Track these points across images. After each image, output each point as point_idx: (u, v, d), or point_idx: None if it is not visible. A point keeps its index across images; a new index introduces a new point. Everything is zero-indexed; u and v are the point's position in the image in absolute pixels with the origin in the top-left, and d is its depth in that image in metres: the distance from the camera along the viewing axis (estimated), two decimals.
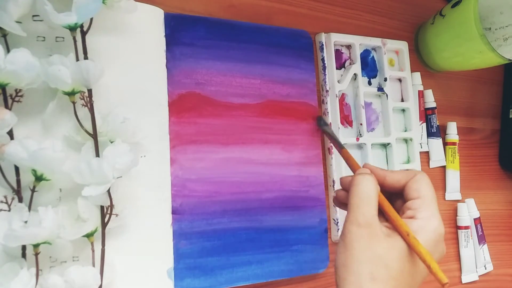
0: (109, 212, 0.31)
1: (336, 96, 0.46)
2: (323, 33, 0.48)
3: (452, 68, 0.56)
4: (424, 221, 0.31)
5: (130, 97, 0.36)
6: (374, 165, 0.35)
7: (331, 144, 0.46)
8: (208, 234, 0.38)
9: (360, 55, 0.49)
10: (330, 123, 0.46)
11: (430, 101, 0.54)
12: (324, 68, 0.47)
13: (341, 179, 0.36)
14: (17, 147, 0.28)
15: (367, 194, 0.31)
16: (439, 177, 0.55)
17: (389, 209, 0.32)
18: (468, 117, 0.59)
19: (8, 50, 0.30)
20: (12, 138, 0.30)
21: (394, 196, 0.35)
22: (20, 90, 0.30)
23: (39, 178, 0.30)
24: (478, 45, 0.47)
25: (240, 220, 0.40)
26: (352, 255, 0.29)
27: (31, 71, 0.29)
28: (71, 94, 0.31)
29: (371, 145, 0.48)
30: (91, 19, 0.33)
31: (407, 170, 0.35)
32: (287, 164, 0.43)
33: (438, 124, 0.54)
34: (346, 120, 0.48)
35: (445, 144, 0.56)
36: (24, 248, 0.29)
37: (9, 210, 0.29)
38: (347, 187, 0.35)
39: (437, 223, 0.31)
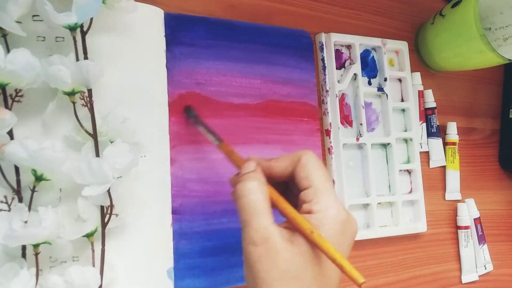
0: (109, 212, 0.31)
1: (336, 96, 0.46)
2: (323, 33, 0.48)
3: (452, 68, 0.56)
4: (322, 213, 0.28)
5: (130, 97, 0.36)
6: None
7: (331, 144, 0.46)
8: (208, 234, 0.38)
9: (360, 55, 0.49)
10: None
11: (430, 101, 0.54)
12: (324, 68, 0.47)
13: (230, 179, 0.33)
14: (17, 147, 0.28)
15: (254, 206, 0.28)
16: (439, 177, 0.55)
17: (285, 208, 0.29)
18: (468, 117, 0.59)
19: (8, 50, 0.30)
20: (12, 138, 0.30)
21: (290, 185, 0.32)
22: (20, 90, 0.30)
23: (39, 178, 0.30)
24: (478, 45, 0.47)
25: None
26: (258, 277, 0.27)
27: (31, 71, 0.29)
28: (71, 94, 0.31)
29: (371, 145, 0.48)
30: (91, 19, 0.33)
31: (293, 153, 0.31)
32: None
33: (438, 124, 0.54)
34: (346, 120, 0.48)
35: (445, 144, 0.56)
36: (24, 248, 0.29)
37: (9, 210, 0.29)
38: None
39: (335, 211, 0.28)
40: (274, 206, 0.30)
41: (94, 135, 0.32)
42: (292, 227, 0.29)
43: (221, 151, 0.36)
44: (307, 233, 0.27)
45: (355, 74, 0.48)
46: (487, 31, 0.53)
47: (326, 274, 0.28)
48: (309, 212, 0.29)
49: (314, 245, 0.27)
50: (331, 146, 0.46)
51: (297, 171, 0.30)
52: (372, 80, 0.51)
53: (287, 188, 0.33)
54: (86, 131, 0.32)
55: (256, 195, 0.29)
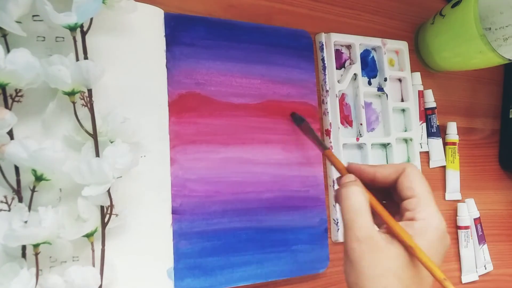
0: (109, 212, 0.31)
1: (336, 96, 0.46)
2: (323, 33, 0.48)
3: (452, 68, 0.56)
4: (425, 221, 0.30)
5: (130, 97, 0.36)
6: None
7: (331, 144, 0.46)
8: (208, 234, 0.38)
9: (360, 55, 0.49)
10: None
11: (430, 101, 0.54)
12: (324, 68, 0.47)
13: (337, 179, 0.36)
14: (17, 147, 0.28)
15: (358, 207, 0.30)
16: (439, 177, 0.55)
17: (385, 214, 0.31)
18: (468, 117, 0.59)
19: (8, 50, 0.30)
20: (12, 138, 0.30)
21: (387, 192, 0.34)
22: (20, 90, 0.30)
23: (39, 178, 0.30)
24: (478, 45, 0.47)
25: (240, 220, 0.40)
26: (362, 273, 0.29)
27: (31, 71, 0.29)
28: (71, 94, 0.31)
29: (371, 145, 0.48)
30: (91, 19, 0.33)
31: (397, 164, 0.35)
32: (287, 164, 0.43)
33: (438, 124, 0.54)
34: (346, 120, 0.48)
35: (445, 144, 0.56)
36: (24, 248, 0.29)
37: (9, 210, 0.29)
38: None
39: (438, 221, 0.31)
40: (374, 210, 0.32)
41: (94, 135, 0.32)
42: (389, 232, 0.30)
43: (326, 156, 0.38)
44: (407, 248, 0.29)
45: (355, 74, 0.48)
46: (487, 31, 0.53)
47: (423, 278, 0.30)
48: (412, 219, 0.31)
49: (410, 252, 0.29)
50: (331, 146, 0.46)
51: (401, 181, 0.32)
52: (372, 80, 0.51)
53: (385, 196, 0.35)
54: (86, 131, 0.32)
55: (360, 198, 0.31)
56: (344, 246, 0.30)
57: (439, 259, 0.31)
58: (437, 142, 0.54)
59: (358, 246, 0.29)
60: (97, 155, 0.32)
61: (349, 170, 0.35)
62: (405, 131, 0.52)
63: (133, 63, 0.36)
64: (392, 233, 0.30)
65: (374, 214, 0.31)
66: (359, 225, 0.30)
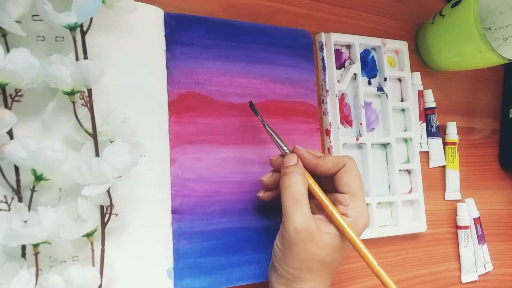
0: (109, 212, 0.31)
1: (336, 96, 0.46)
2: (323, 33, 0.48)
3: (452, 68, 0.56)
4: (355, 219, 0.35)
5: (130, 97, 0.36)
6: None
7: (331, 144, 0.46)
8: (208, 234, 0.38)
9: (360, 55, 0.49)
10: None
11: (430, 101, 0.54)
12: (324, 68, 0.47)
13: (270, 160, 0.38)
14: (17, 147, 0.28)
15: (298, 197, 0.34)
16: (438, 177, 0.55)
17: (325, 206, 0.35)
18: (468, 117, 0.59)
19: (8, 49, 0.30)
20: (12, 138, 0.30)
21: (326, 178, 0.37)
22: (19, 90, 0.30)
23: (39, 178, 0.30)
24: (478, 45, 0.47)
25: (239, 220, 0.40)
26: (292, 254, 0.33)
27: (31, 71, 0.29)
28: (70, 94, 0.31)
29: (371, 145, 0.48)
30: (91, 19, 0.33)
31: (337, 156, 0.37)
32: None
33: (438, 124, 0.54)
34: (346, 120, 0.48)
35: (445, 144, 0.56)
36: (24, 247, 0.29)
37: (9, 210, 0.29)
38: (276, 167, 0.38)
39: (365, 218, 0.35)
40: (312, 193, 0.35)
41: (94, 135, 0.32)
42: (324, 218, 0.35)
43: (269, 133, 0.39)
44: (342, 227, 0.34)
45: (355, 74, 0.48)
46: (487, 31, 0.53)
47: (341, 258, 0.35)
48: (345, 215, 0.35)
49: (344, 236, 0.34)
50: (331, 146, 0.46)
51: (340, 175, 0.36)
52: (372, 80, 0.51)
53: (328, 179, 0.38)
54: (86, 131, 0.32)
55: (300, 187, 0.34)
56: (281, 227, 0.34)
57: None
58: (437, 142, 0.54)
59: (295, 235, 0.33)
60: (97, 155, 0.32)
61: (295, 153, 0.37)
62: (405, 131, 0.52)
63: (133, 63, 0.36)
64: (329, 220, 0.35)
65: (314, 199, 0.35)
66: (298, 215, 0.33)
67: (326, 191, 0.36)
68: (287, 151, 0.37)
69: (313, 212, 0.34)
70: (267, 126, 0.38)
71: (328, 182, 0.37)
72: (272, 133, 0.38)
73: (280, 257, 0.35)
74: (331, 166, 0.36)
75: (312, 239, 0.33)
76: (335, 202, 0.36)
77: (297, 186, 0.34)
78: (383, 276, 0.33)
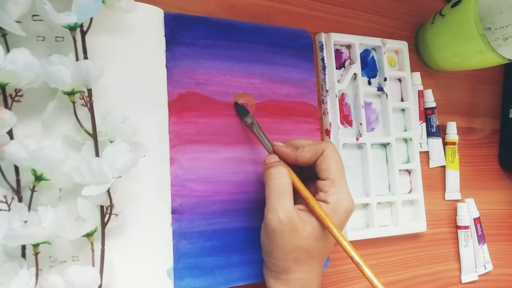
0: (109, 212, 0.31)
1: (336, 96, 0.46)
2: (323, 33, 0.48)
3: (452, 68, 0.56)
4: (336, 204, 0.35)
5: (130, 97, 0.36)
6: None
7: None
8: (208, 234, 0.38)
9: (360, 55, 0.49)
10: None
11: (430, 101, 0.54)
12: (324, 68, 0.47)
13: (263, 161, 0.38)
14: (17, 147, 0.28)
15: (282, 189, 0.34)
16: (438, 177, 0.55)
17: (307, 198, 0.35)
18: (468, 117, 0.59)
19: (8, 49, 0.30)
20: (12, 138, 0.30)
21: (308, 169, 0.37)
22: (19, 90, 0.30)
23: (38, 178, 0.30)
24: (478, 45, 0.47)
25: (240, 220, 0.40)
26: (277, 246, 0.34)
27: (31, 71, 0.29)
28: (70, 94, 0.31)
29: (371, 144, 0.48)
30: (91, 19, 0.33)
31: (316, 143, 0.37)
32: None
33: (438, 124, 0.54)
34: (346, 120, 0.48)
35: (445, 144, 0.56)
36: (24, 248, 0.29)
37: (9, 210, 0.29)
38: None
39: (346, 203, 0.35)
40: (295, 188, 0.35)
41: (94, 135, 0.32)
42: (306, 209, 0.35)
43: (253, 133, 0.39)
44: (321, 218, 0.34)
45: (355, 74, 0.48)
46: (487, 31, 0.53)
47: (327, 246, 0.36)
48: (324, 201, 0.35)
49: (324, 227, 0.34)
50: None
51: (319, 162, 0.36)
52: (372, 80, 0.51)
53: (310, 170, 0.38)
54: (86, 131, 0.32)
55: (285, 179, 0.34)
56: (265, 218, 0.34)
57: (343, 227, 0.36)
58: (437, 142, 0.54)
59: (279, 227, 0.33)
60: (97, 155, 0.32)
61: (274, 151, 0.37)
62: (405, 131, 0.52)
63: (133, 62, 0.36)
64: (310, 210, 0.35)
65: (296, 192, 0.35)
66: (282, 208, 0.33)
67: (309, 180, 0.37)
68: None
69: (296, 202, 0.35)
70: (254, 128, 0.39)
71: (310, 170, 0.37)
72: (257, 134, 0.39)
73: (266, 250, 0.35)
74: (311, 155, 0.36)
75: (296, 231, 0.33)
76: (316, 190, 0.36)
77: (281, 178, 0.34)
78: (361, 266, 0.33)
